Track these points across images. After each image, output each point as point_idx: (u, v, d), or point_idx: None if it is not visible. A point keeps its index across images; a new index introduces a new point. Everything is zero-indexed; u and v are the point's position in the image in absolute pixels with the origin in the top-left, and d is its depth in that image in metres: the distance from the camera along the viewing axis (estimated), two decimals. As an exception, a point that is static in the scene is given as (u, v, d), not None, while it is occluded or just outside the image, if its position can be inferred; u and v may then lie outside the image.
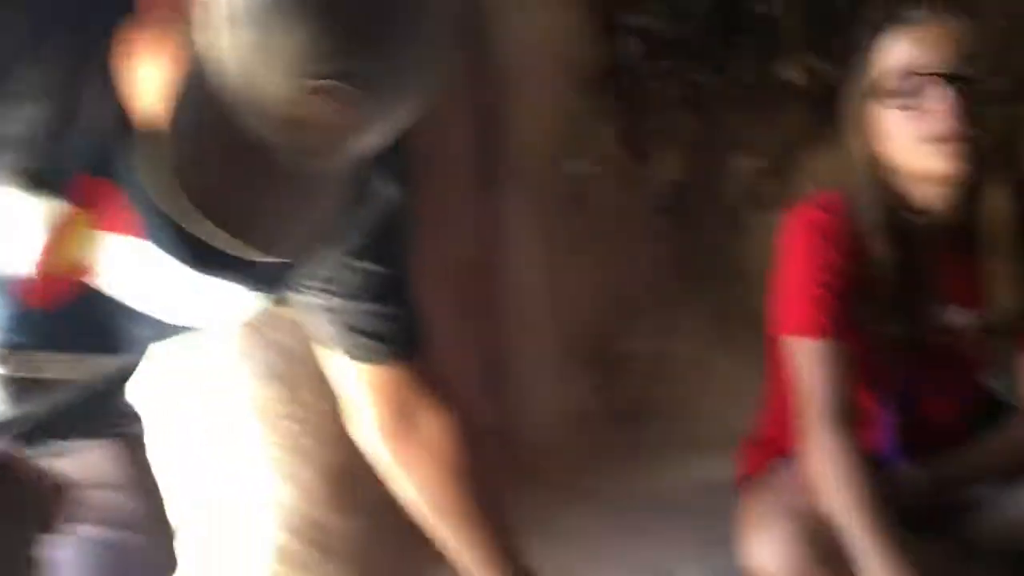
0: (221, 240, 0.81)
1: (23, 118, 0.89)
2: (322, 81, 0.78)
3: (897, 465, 1.56)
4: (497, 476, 1.30)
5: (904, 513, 1.51)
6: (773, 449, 1.66)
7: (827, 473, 1.44)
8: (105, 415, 1.23)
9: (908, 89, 1.44)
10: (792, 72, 2.25)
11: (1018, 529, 1.53)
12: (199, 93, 0.81)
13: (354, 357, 1.19)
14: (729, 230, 2.29)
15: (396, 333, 1.19)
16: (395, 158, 0.97)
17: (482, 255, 2.09)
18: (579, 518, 1.97)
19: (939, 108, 1.41)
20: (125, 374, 1.20)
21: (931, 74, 1.42)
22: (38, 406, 1.09)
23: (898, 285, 1.52)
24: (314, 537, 1.60)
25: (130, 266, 0.98)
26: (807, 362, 1.51)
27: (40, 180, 0.91)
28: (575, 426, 2.27)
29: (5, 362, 1.03)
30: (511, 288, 2.17)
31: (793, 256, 1.56)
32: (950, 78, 1.42)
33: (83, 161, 0.92)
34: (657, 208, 2.28)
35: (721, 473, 1.85)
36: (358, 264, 1.12)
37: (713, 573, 1.69)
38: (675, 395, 2.32)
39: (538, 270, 2.20)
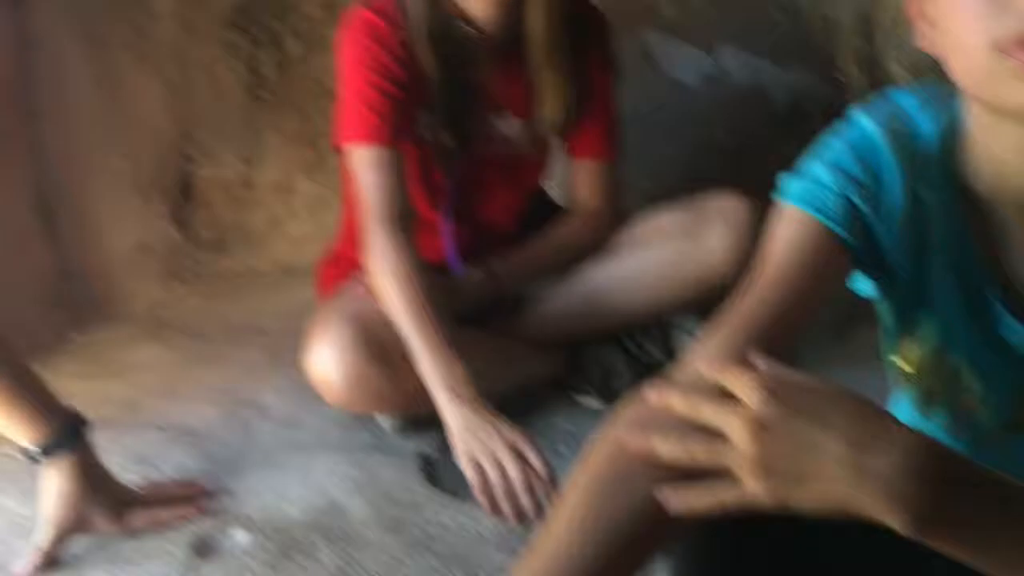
0: None
1: None
2: None
3: (458, 269, 1.62)
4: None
5: (467, 313, 1.58)
6: (347, 265, 1.66)
7: (382, 276, 1.46)
8: None
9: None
10: None
11: (560, 321, 1.66)
12: None
13: None
14: (309, 47, 2.21)
15: None
16: None
17: (17, 74, 1.86)
18: (155, 352, 1.88)
19: None
20: None
21: None
22: None
23: (450, 94, 1.54)
24: None
25: None
26: (363, 168, 1.50)
27: None
28: (155, 258, 2.14)
29: None
30: (60, 112, 1.95)
31: (348, 61, 1.53)
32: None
33: None
34: (227, 21, 2.13)
35: (305, 296, 1.84)
36: None
37: (288, 387, 1.67)
38: (260, 221, 2.25)
39: (92, 90, 2.00)
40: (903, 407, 0.91)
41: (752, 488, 0.64)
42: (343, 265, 1.68)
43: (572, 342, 1.69)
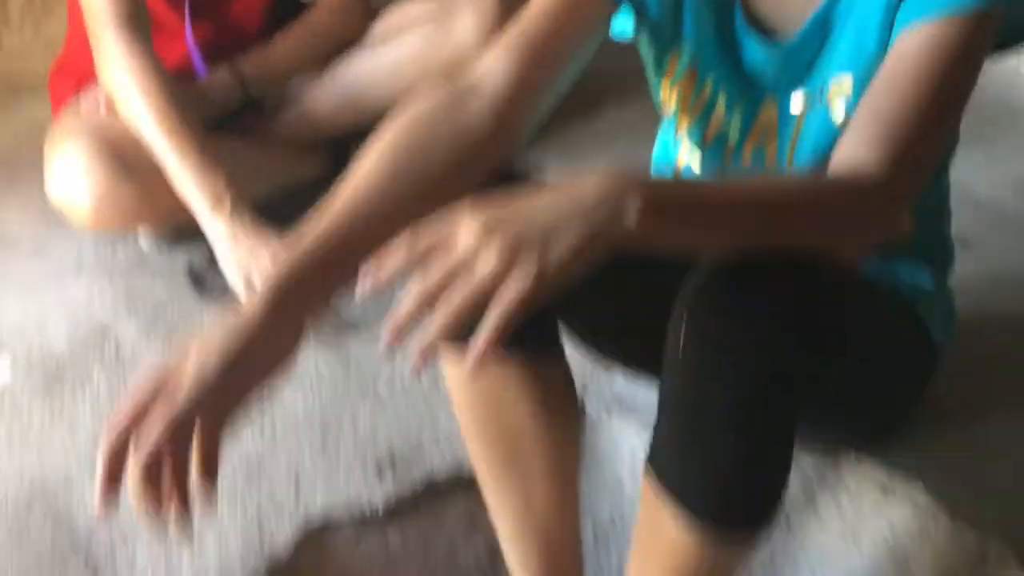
0: None
1: None
2: None
3: (202, 71, 1.54)
4: None
5: (217, 119, 1.52)
6: (81, 74, 1.54)
7: (118, 83, 1.37)
8: None
9: None
10: None
11: (319, 120, 1.61)
12: None
13: None
14: None
15: None
16: None
17: None
18: None
19: None
20: None
21: None
22: None
23: None
24: None
25: None
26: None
27: None
28: None
29: None
30: None
31: None
32: None
33: None
34: None
35: (36, 115, 1.70)
36: None
37: (32, 213, 1.56)
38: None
39: None
40: (665, 131, 1.03)
41: (516, 282, 0.66)
42: (76, 75, 1.55)
43: (335, 140, 1.66)
